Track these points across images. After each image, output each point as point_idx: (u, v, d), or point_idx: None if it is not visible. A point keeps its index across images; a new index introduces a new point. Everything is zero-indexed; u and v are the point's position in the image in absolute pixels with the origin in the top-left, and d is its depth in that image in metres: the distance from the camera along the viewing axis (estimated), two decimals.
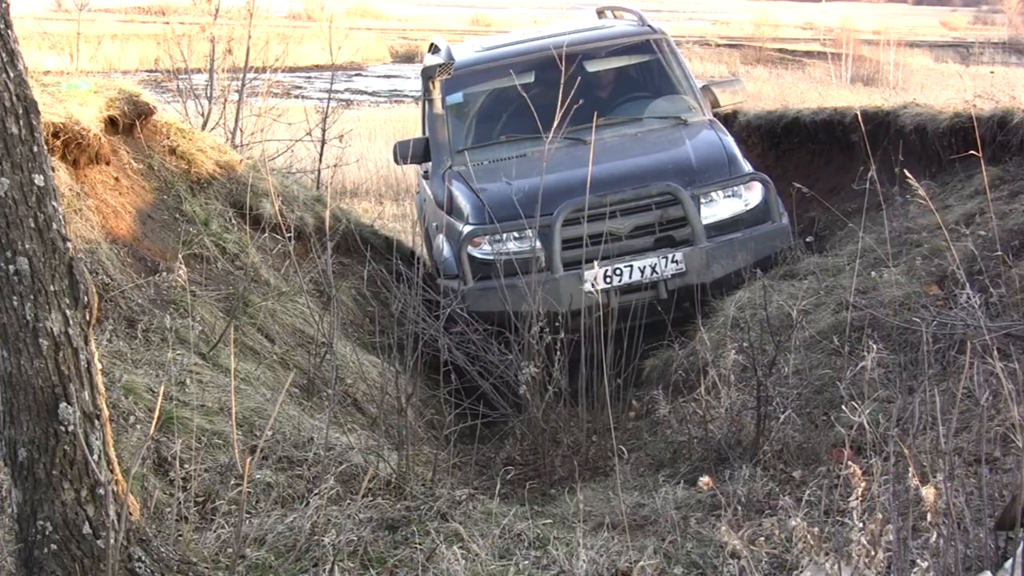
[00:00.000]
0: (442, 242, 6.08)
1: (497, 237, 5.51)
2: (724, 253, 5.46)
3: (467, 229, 5.65)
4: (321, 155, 10.16)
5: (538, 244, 5.17)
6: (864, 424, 2.62)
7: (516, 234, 5.46)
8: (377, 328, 5.35)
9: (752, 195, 5.70)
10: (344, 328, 5.60)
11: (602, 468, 3.93)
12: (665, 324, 4.85)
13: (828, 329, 4.24)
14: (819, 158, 7.68)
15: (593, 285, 4.92)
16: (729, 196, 5.68)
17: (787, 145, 8.20)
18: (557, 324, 4.03)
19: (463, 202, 5.91)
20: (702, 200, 5.59)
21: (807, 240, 6.05)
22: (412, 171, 10.51)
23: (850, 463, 2.30)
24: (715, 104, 6.77)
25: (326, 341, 4.66)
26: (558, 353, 4.01)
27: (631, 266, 5.39)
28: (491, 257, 5.48)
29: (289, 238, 5.24)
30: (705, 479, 2.77)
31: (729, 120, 8.40)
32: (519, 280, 4.78)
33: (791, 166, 7.75)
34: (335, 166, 10.29)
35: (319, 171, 10.00)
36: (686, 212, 5.48)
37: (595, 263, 4.53)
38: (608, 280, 5.33)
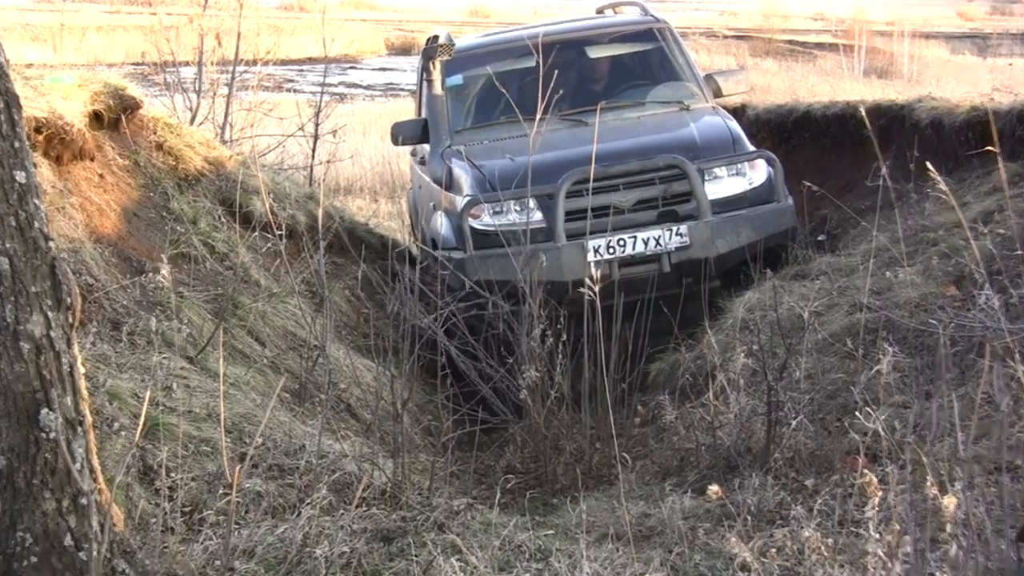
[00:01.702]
0: (440, 218, 6.08)
1: (497, 208, 5.52)
2: (728, 229, 5.48)
3: (467, 200, 5.65)
4: (314, 151, 10.16)
5: (539, 215, 5.18)
6: (879, 431, 2.59)
7: (517, 206, 5.45)
8: (372, 330, 5.32)
9: (757, 174, 5.72)
10: (337, 330, 5.58)
11: (606, 476, 3.90)
12: (671, 308, 4.80)
13: (841, 331, 4.23)
14: (831, 153, 7.67)
15: (596, 253, 4.84)
16: (733, 174, 5.70)
17: (797, 140, 8.20)
18: (558, 295, 3.99)
19: (462, 177, 5.94)
20: (706, 176, 5.60)
21: (819, 239, 6.06)
22: (408, 168, 10.50)
23: (865, 471, 2.29)
24: (718, 93, 6.85)
25: (319, 344, 4.63)
26: (560, 356, 3.97)
27: (635, 237, 5.39)
28: (491, 228, 5.49)
29: (280, 237, 5.22)
30: (714, 488, 2.77)
31: (737, 113, 8.44)
32: (520, 250, 4.76)
33: (801, 161, 7.75)
34: (328, 162, 10.28)
35: (311, 167, 10.02)
36: (692, 185, 5.48)
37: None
38: (611, 251, 5.33)
